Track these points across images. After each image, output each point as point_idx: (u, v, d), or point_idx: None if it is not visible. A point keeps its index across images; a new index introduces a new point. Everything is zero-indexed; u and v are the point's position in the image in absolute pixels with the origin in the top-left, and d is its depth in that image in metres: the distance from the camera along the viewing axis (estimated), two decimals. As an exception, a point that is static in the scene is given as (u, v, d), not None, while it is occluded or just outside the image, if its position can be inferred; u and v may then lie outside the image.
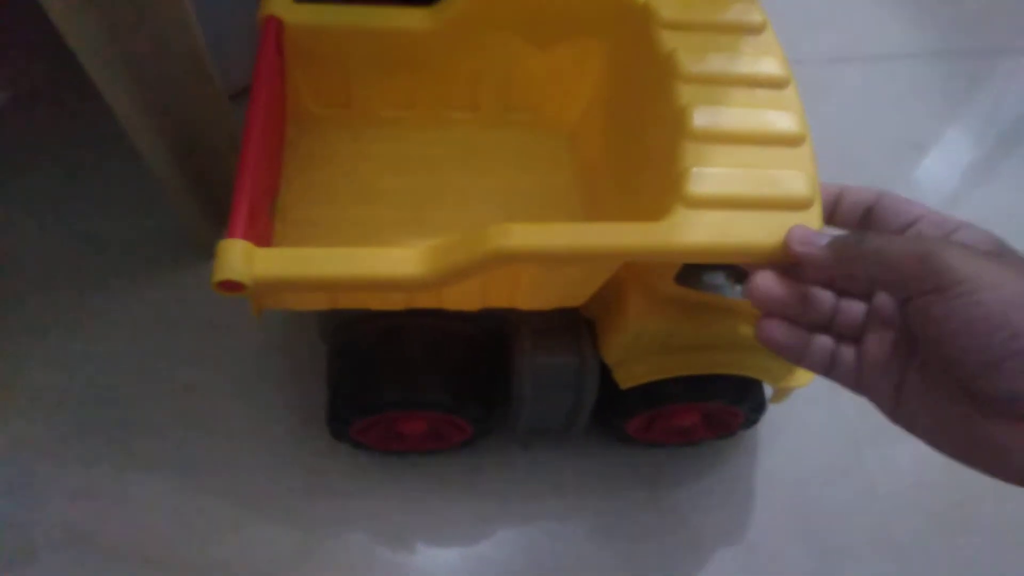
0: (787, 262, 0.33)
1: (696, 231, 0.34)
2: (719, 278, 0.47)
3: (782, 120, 0.37)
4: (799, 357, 0.32)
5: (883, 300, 0.32)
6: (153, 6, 0.43)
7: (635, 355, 0.47)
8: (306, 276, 0.35)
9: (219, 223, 0.60)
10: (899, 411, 0.30)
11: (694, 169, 0.35)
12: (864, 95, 0.82)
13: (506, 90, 0.51)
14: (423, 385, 0.47)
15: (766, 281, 0.31)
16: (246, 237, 0.35)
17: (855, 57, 0.85)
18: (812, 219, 0.34)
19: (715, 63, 0.39)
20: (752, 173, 0.35)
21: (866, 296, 0.32)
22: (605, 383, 0.48)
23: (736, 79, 0.38)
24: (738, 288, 0.47)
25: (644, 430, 0.53)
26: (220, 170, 0.56)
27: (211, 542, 0.53)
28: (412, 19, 0.45)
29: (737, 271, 0.47)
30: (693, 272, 0.43)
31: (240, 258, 0.34)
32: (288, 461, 0.56)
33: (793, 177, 0.35)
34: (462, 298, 0.41)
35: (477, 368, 0.50)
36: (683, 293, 0.43)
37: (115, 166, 0.68)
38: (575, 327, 0.48)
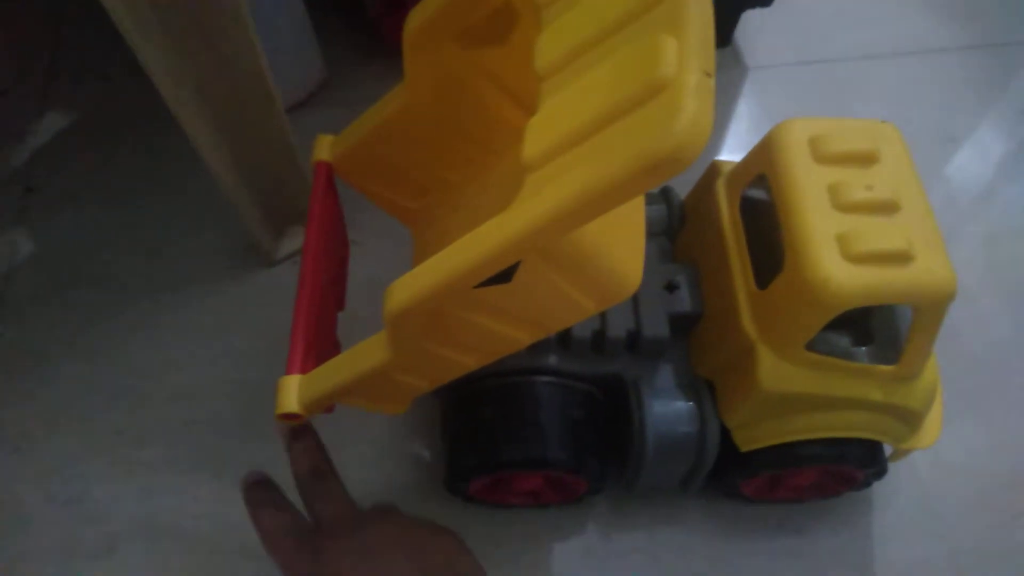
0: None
1: (549, 191, 0.25)
2: (845, 343, 0.44)
3: None
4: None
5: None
6: (220, 31, 0.46)
7: (758, 418, 0.44)
8: (327, 389, 0.37)
9: (279, 232, 0.65)
10: None
11: (531, 124, 0.27)
12: (898, 91, 0.81)
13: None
14: (547, 444, 0.45)
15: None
16: (303, 371, 0.38)
17: (888, 53, 0.84)
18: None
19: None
20: (594, 89, 0.26)
21: None
22: (722, 443, 0.46)
23: None
24: (863, 349, 0.44)
25: (759, 490, 0.51)
26: (281, 182, 0.60)
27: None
28: (400, 96, 0.42)
29: (860, 334, 0.45)
30: (820, 339, 0.41)
31: (294, 392, 0.38)
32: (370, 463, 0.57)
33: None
34: (493, 346, 0.37)
35: (596, 427, 0.48)
36: (813, 359, 0.41)
37: (178, 182, 0.71)
38: (695, 388, 0.46)
